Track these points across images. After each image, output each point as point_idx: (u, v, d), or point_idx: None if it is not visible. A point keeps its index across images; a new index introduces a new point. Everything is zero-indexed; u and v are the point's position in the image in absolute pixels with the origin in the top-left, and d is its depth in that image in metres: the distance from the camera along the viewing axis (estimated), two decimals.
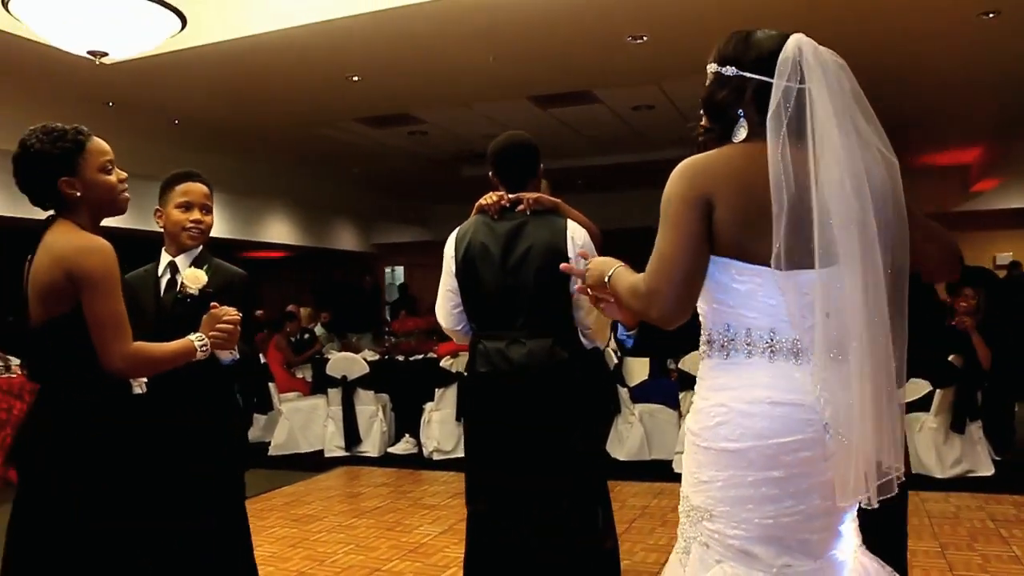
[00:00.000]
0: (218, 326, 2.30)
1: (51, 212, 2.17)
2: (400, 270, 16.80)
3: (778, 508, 1.55)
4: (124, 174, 2.21)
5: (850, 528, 1.65)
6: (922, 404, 5.80)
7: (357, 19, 5.51)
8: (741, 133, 1.63)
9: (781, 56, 1.57)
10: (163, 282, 2.77)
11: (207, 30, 5.82)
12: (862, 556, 1.66)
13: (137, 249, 2.90)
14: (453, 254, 2.87)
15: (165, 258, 2.83)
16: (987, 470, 5.67)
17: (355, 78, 6.88)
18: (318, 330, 9.99)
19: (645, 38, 6.01)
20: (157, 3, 4.16)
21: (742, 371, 1.59)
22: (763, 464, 1.55)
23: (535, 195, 2.81)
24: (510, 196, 2.84)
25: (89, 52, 4.22)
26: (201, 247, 2.84)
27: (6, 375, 6.32)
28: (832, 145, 1.53)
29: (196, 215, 2.81)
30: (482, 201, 2.88)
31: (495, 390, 2.75)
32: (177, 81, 6.79)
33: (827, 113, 1.53)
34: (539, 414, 2.69)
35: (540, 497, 2.71)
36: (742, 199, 1.57)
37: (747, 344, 1.59)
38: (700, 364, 1.69)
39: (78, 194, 2.11)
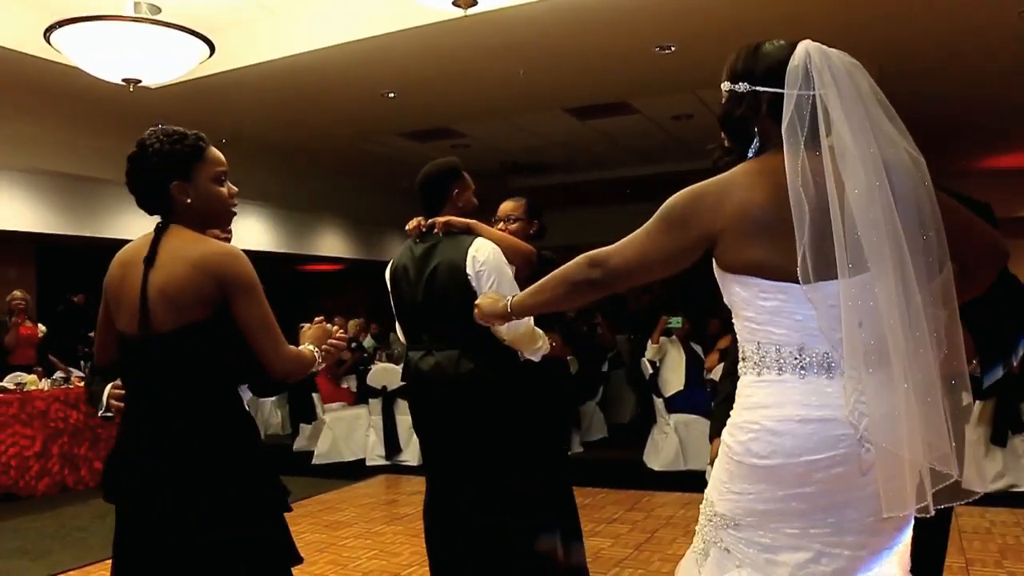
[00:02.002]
0: (331, 341, 2.23)
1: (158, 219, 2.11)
2: None
3: (807, 521, 1.55)
4: (235, 188, 2.16)
5: (894, 556, 1.60)
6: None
7: (387, 37, 5.68)
8: (757, 147, 1.65)
9: (790, 65, 1.57)
10: None
11: (247, 52, 6.08)
12: None
13: None
14: (388, 276, 3.11)
15: None
16: None
17: (391, 94, 7.06)
18: (367, 342, 10.20)
19: (673, 48, 6.04)
20: (186, 32, 4.38)
21: (773, 388, 1.58)
22: (793, 481, 1.54)
23: (445, 219, 2.97)
24: (427, 221, 3.02)
25: (123, 80, 4.46)
26: None
27: (64, 386, 6.62)
28: (849, 150, 1.51)
29: None
30: (407, 226, 3.07)
31: (414, 400, 3.00)
32: (222, 102, 7.07)
33: (841, 118, 1.52)
34: (447, 422, 2.87)
35: (461, 505, 2.83)
36: (760, 216, 1.57)
37: (777, 361, 1.58)
38: (740, 380, 1.69)
39: (188, 200, 2.04)
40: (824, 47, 1.59)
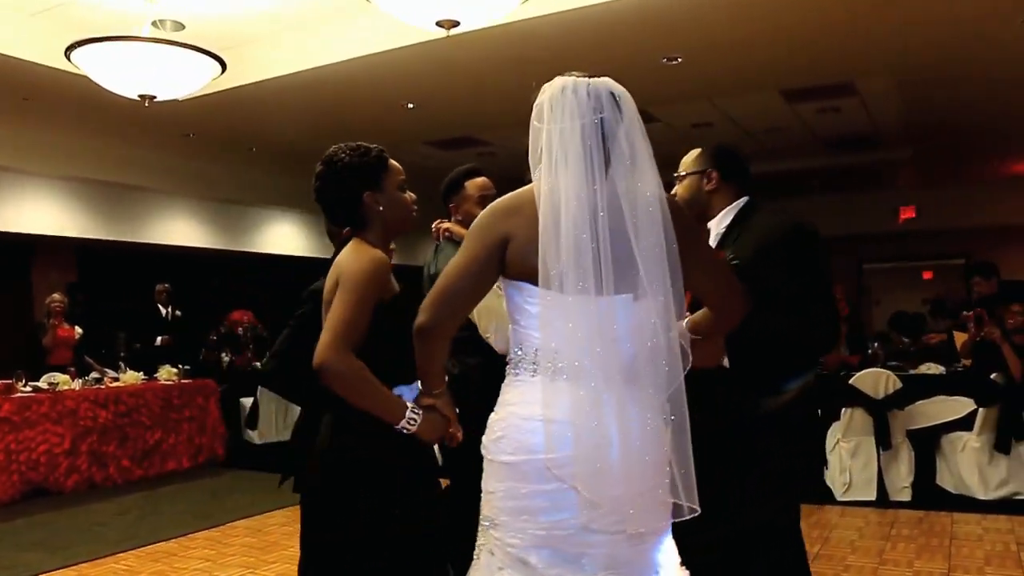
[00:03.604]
0: (450, 431, 2.11)
1: (347, 231, 2.22)
2: None
3: (552, 520, 1.64)
4: (414, 196, 2.27)
5: (661, 553, 1.73)
6: (965, 423, 5.65)
7: (400, 51, 5.86)
8: (534, 174, 1.77)
9: (535, 103, 1.74)
10: None
11: (269, 66, 6.33)
12: None
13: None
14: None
15: None
16: None
17: (410, 105, 7.24)
18: None
19: (679, 59, 6.12)
20: (198, 51, 4.60)
21: (525, 388, 1.70)
22: (536, 477, 1.64)
23: (446, 225, 3.17)
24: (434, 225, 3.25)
25: (139, 96, 4.69)
26: None
27: (96, 386, 6.91)
28: (571, 183, 1.65)
29: None
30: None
31: None
32: (249, 112, 7.34)
33: (573, 147, 1.66)
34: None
35: None
36: (533, 230, 1.68)
37: (534, 364, 1.69)
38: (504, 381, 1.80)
39: (380, 208, 2.14)
40: (569, 80, 1.71)
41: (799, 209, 10.76)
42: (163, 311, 8.62)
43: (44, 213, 8.71)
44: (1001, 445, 5.48)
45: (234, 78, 6.33)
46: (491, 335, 2.81)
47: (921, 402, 5.81)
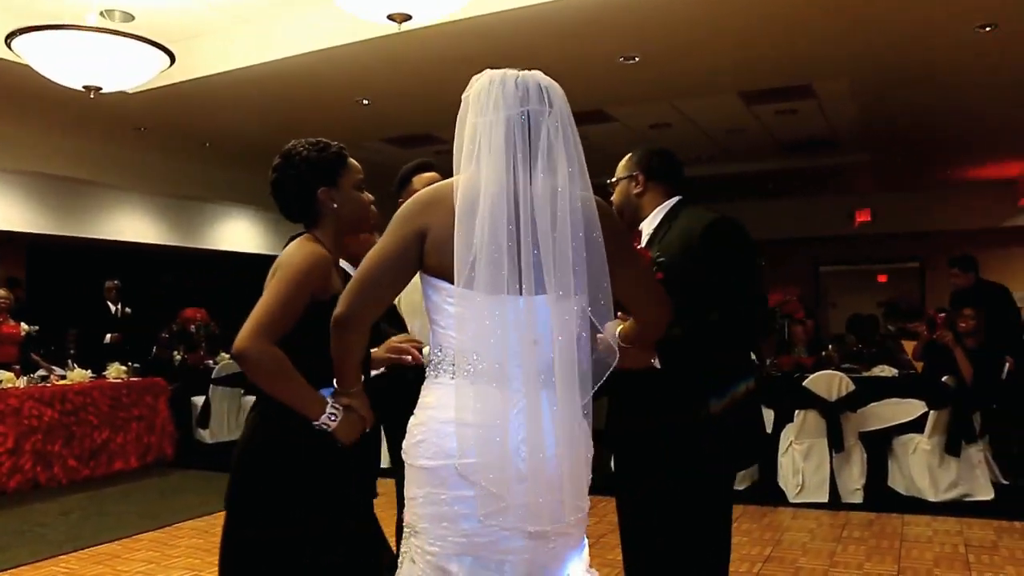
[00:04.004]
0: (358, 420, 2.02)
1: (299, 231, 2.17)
2: None
3: (472, 527, 1.60)
4: (372, 197, 2.24)
5: (576, 559, 1.71)
6: (917, 425, 5.72)
7: (352, 47, 5.79)
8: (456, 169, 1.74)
9: (463, 96, 1.70)
10: None
11: (222, 59, 6.21)
12: None
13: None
14: None
15: None
16: (986, 494, 5.54)
17: (364, 101, 7.15)
18: None
19: (637, 58, 6.11)
20: (145, 42, 4.48)
21: (444, 391, 1.64)
22: (455, 483, 1.60)
23: None
24: None
25: (84, 87, 4.57)
26: None
27: (41, 384, 6.74)
28: (491, 177, 1.61)
29: None
30: None
31: None
32: (202, 106, 7.20)
33: (496, 139, 1.62)
34: None
35: None
36: (450, 224, 1.64)
37: (453, 365, 1.64)
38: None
39: (334, 205, 2.12)
40: (496, 75, 1.68)
41: (756, 211, 10.96)
42: (112, 308, 8.44)
43: None
44: (951, 447, 5.54)
45: (186, 71, 6.20)
46: (416, 333, 2.75)
47: (874, 404, 5.86)
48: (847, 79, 6.90)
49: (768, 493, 5.81)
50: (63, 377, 7.10)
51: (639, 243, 2.43)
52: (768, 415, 6.01)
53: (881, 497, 5.67)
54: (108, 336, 8.18)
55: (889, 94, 7.20)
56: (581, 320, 1.62)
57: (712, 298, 2.20)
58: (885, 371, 6.36)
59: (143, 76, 4.76)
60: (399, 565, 1.71)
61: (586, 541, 1.78)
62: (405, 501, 1.71)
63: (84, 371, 7.15)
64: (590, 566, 1.81)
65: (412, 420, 1.70)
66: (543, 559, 1.65)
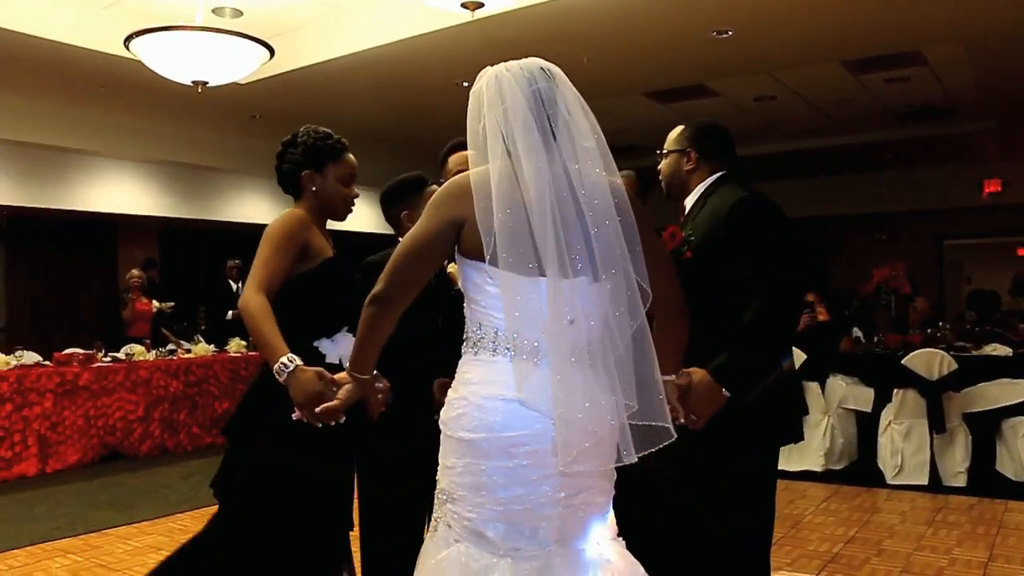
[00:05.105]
0: (324, 407, 2.05)
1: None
2: None
3: (509, 495, 1.68)
4: (358, 193, 2.51)
5: (601, 525, 1.78)
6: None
7: (449, 31, 5.94)
8: (474, 164, 1.80)
9: (472, 93, 1.78)
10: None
11: (325, 48, 6.51)
12: (612, 553, 1.78)
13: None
14: None
15: None
16: None
17: (464, 84, 7.29)
18: None
19: (730, 32, 6.01)
20: (247, 38, 4.77)
21: (485, 367, 1.72)
22: (495, 454, 1.68)
23: None
24: None
25: (192, 82, 4.90)
26: None
27: (168, 357, 7.28)
28: (527, 162, 1.67)
29: None
30: None
31: None
32: (309, 93, 7.53)
33: (521, 119, 1.69)
34: None
35: None
36: (488, 211, 1.70)
37: (493, 343, 1.72)
38: (461, 359, 1.82)
39: (314, 189, 2.40)
40: (499, 69, 1.76)
41: (870, 183, 10.54)
42: (233, 286, 8.96)
43: (127, 193, 9.18)
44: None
45: (291, 61, 6.55)
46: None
47: (983, 384, 5.63)
48: (960, 43, 6.56)
49: (866, 474, 5.69)
50: (188, 351, 7.64)
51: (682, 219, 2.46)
52: (868, 394, 5.88)
53: (987, 482, 5.46)
54: (229, 313, 8.70)
55: (1010, 58, 6.80)
56: (618, 301, 1.69)
57: (740, 284, 2.16)
58: (998, 350, 6.07)
59: (246, 70, 5.05)
60: (432, 529, 1.81)
61: (612, 509, 1.86)
62: (440, 469, 1.79)
63: (207, 345, 7.68)
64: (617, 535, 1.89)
65: (451, 394, 1.79)
66: (572, 526, 1.74)
